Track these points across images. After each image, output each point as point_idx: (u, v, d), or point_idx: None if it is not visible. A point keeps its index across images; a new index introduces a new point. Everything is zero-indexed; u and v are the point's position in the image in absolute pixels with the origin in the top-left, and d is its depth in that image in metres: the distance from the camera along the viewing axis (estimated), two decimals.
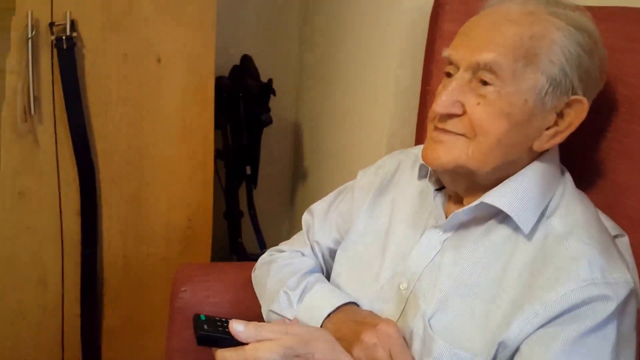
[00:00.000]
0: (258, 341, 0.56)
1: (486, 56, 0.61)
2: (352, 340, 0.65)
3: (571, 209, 0.64)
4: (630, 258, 0.66)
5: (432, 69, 0.93)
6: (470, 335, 0.61)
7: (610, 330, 0.57)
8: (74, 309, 1.36)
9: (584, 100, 0.63)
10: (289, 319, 0.75)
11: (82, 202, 1.27)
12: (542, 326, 0.58)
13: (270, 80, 1.54)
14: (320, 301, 0.73)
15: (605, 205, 0.71)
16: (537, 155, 0.66)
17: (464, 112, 0.63)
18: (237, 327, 0.56)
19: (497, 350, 0.59)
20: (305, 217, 0.88)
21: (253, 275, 0.88)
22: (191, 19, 1.21)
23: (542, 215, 0.64)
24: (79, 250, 1.31)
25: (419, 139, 0.97)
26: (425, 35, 0.98)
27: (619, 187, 0.70)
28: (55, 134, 1.20)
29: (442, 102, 0.63)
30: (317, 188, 1.65)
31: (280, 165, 1.88)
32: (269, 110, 1.54)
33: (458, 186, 0.69)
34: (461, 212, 0.66)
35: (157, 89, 1.25)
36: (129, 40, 1.19)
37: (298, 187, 1.86)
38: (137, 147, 1.28)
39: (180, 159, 1.32)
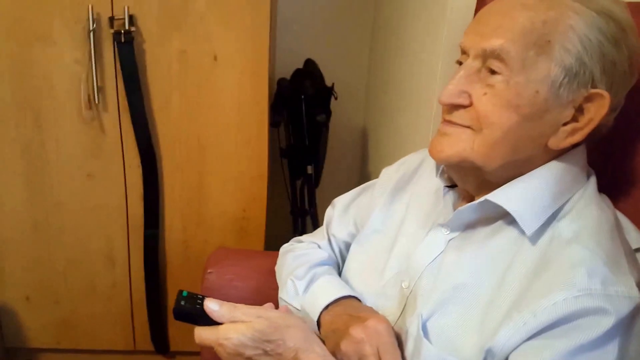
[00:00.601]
0: (232, 322, 0.57)
1: (494, 42, 0.57)
2: (344, 333, 0.64)
3: (584, 213, 0.59)
4: None
5: None
6: (463, 341, 0.58)
7: (611, 351, 0.51)
8: (140, 286, 1.46)
9: (605, 94, 0.57)
10: (297, 308, 0.76)
11: (144, 187, 1.35)
12: (531, 337, 0.53)
13: (332, 84, 1.54)
14: (322, 292, 0.73)
15: (635, 214, 0.65)
16: (556, 155, 0.61)
17: (471, 103, 0.59)
18: (212, 306, 0.57)
19: (485, 357, 0.56)
20: (328, 211, 0.89)
21: (276, 263, 0.89)
22: (246, 21, 1.23)
23: (553, 218, 0.59)
24: (142, 231, 1.39)
25: None
26: None
27: None
28: (120, 122, 1.29)
29: (448, 92, 0.60)
30: None
31: (347, 167, 1.88)
32: (326, 112, 1.54)
33: (468, 183, 0.65)
34: (464, 210, 0.63)
35: (214, 85, 1.29)
36: (186, 37, 1.24)
37: None
38: (197, 138, 1.33)
39: (235, 153, 1.36)
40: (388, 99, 1.47)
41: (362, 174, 1.89)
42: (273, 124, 1.44)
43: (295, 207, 1.69)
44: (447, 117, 0.61)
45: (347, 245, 0.83)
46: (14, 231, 1.36)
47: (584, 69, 0.55)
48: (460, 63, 0.62)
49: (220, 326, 0.57)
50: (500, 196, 0.60)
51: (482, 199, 0.61)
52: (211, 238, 1.44)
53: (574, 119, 0.58)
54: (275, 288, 0.86)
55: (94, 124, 1.28)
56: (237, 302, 0.86)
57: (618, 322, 0.51)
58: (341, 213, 0.85)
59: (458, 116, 0.60)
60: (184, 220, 1.41)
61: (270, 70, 1.32)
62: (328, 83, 1.55)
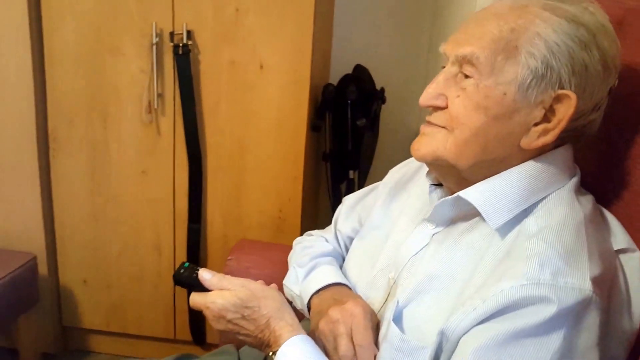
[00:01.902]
0: (220, 290, 0.66)
1: (466, 49, 0.62)
2: (325, 314, 0.70)
3: (553, 211, 0.61)
4: (636, 276, 0.62)
5: None
6: (430, 328, 0.61)
7: (554, 339, 0.53)
8: None
9: (572, 94, 0.60)
10: (297, 294, 0.83)
11: (190, 184, 1.50)
12: (479, 323, 0.56)
13: (381, 89, 1.61)
14: (316, 279, 0.79)
15: (626, 216, 0.67)
16: (534, 155, 0.64)
17: (447, 105, 0.64)
18: (205, 275, 0.67)
19: (440, 341, 0.59)
20: (339, 207, 0.95)
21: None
22: (290, 32, 1.36)
23: (525, 215, 0.62)
24: (186, 225, 1.54)
25: None
26: None
27: None
28: (174, 126, 1.45)
29: (427, 94, 0.65)
30: None
31: None
32: (367, 116, 1.61)
33: (448, 180, 0.70)
34: (440, 204, 0.67)
35: (258, 92, 1.42)
36: (236, 49, 1.38)
37: None
38: (240, 142, 1.47)
39: (274, 156, 1.47)
40: None
41: None
42: (314, 128, 1.53)
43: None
44: (427, 118, 0.66)
45: (352, 240, 0.88)
46: (76, 218, 1.54)
47: (551, 71, 0.59)
48: (443, 67, 0.67)
49: (210, 292, 0.66)
50: (470, 193, 0.63)
51: (454, 195, 0.65)
52: (249, 234, 1.55)
53: (546, 119, 0.61)
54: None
55: (152, 126, 1.45)
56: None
57: (561, 312, 0.53)
58: (348, 210, 0.91)
59: (436, 117, 0.65)
60: (225, 217, 1.54)
61: (317, 76, 1.41)
62: (380, 88, 1.62)
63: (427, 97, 0.64)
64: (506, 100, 0.60)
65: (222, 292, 0.66)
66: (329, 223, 1.73)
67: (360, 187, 1.71)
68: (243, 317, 0.65)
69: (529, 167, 0.63)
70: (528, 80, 0.59)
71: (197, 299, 0.67)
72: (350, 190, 1.74)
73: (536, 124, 0.61)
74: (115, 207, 1.53)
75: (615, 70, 0.63)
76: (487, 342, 0.54)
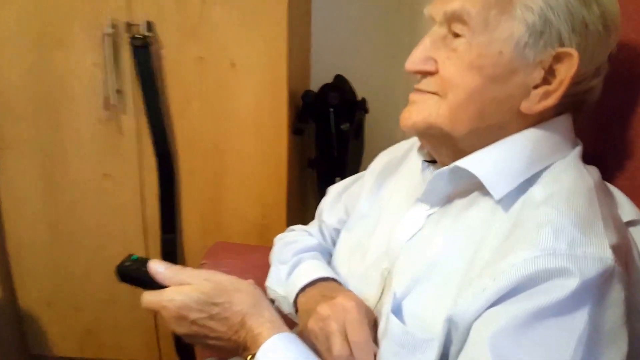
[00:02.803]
0: (178, 285, 0.55)
1: (454, 4, 0.56)
2: (313, 311, 0.63)
3: (559, 178, 0.56)
4: None
5: None
6: (435, 317, 0.55)
7: (578, 319, 0.46)
8: None
9: (574, 52, 0.54)
10: (282, 295, 0.75)
11: (160, 189, 1.35)
12: (492, 305, 0.49)
13: (362, 99, 1.54)
14: (301, 275, 0.72)
15: (631, 189, 0.63)
16: (535, 122, 0.59)
17: (437, 70, 0.59)
18: (156, 268, 0.56)
19: (448, 330, 0.52)
20: (323, 199, 0.89)
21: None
22: (263, 28, 1.24)
23: (529, 185, 0.57)
24: (159, 236, 1.39)
25: None
26: None
27: None
28: (137, 124, 1.31)
29: (413, 59, 0.59)
30: None
31: None
32: (351, 122, 1.52)
33: (442, 154, 0.64)
34: (434, 178, 0.61)
35: (232, 92, 1.29)
36: (203, 44, 1.25)
37: None
38: (214, 142, 1.33)
39: (254, 159, 1.34)
40: None
41: None
42: (296, 131, 1.43)
43: None
44: (416, 86, 0.61)
45: (338, 232, 0.82)
46: (31, 233, 1.38)
47: (550, 27, 0.54)
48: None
49: (165, 289, 0.55)
50: (468, 161, 0.58)
51: (451, 165, 0.59)
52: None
53: (546, 81, 0.56)
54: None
55: (111, 124, 1.30)
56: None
57: (584, 284, 0.46)
58: (333, 200, 0.85)
59: (425, 83, 0.60)
60: (202, 224, 1.40)
61: (296, 81, 1.32)
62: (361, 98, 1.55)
63: (414, 61, 0.59)
64: (502, 59, 0.55)
65: (180, 288, 0.55)
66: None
67: None
68: (211, 317, 0.55)
69: (531, 134, 0.58)
70: (525, 37, 0.55)
71: (149, 298, 0.56)
72: None
73: (536, 87, 0.56)
74: (76, 217, 1.38)
75: (615, 31, 0.58)
76: (504, 327, 0.47)
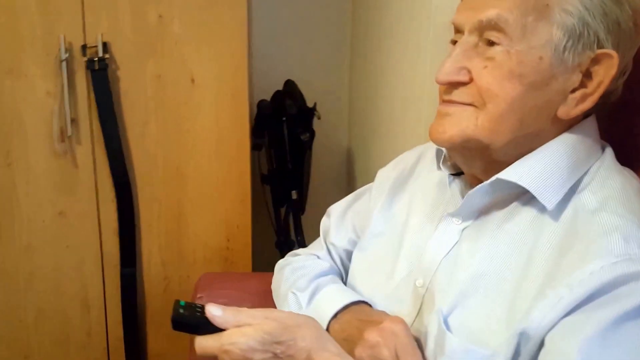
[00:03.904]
0: (236, 327, 0.53)
1: (490, 13, 0.55)
2: (357, 339, 0.60)
3: (607, 183, 0.56)
4: None
5: None
6: (491, 331, 0.54)
7: None
8: (117, 331, 1.36)
9: (614, 53, 0.54)
10: None
11: (119, 222, 1.28)
12: (568, 314, 0.49)
13: (314, 104, 1.52)
14: (328, 301, 0.69)
15: None
16: (566, 127, 0.58)
17: (471, 79, 0.57)
18: (214, 311, 0.53)
19: (518, 344, 0.52)
20: (323, 220, 0.85)
21: (272, 282, 0.85)
22: (222, 43, 1.23)
23: (573, 192, 0.56)
24: (118, 271, 1.32)
25: None
26: None
27: None
28: (94, 155, 1.24)
29: (445, 70, 0.57)
30: None
31: (332, 190, 1.82)
32: (309, 131, 1.51)
33: (474, 167, 0.62)
34: (475, 193, 0.59)
35: (192, 110, 1.26)
36: (161, 60, 1.22)
37: None
38: (175, 167, 1.29)
39: (216, 179, 1.31)
40: (377, 116, 1.42)
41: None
42: (254, 146, 1.41)
43: (282, 237, 1.62)
44: (446, 97, 0.59)
45: (348, 253, 0.80)
46: None
47: (588, 29, 0.53)
48: (454, 42, 0.60)
49: (225, 331, 0.52)
50: (513, 173, 0.57)
51: (493, 178, 0.58)
52: (194, 272, 1.36)
53: (582, 84, 0.56)
54: (269, 307, 0.81)
55: (66, 158, 1.22)
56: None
57: None
58: (338, 221, 0.82)
59: (458, 94, 0.58)
60: (163, 256, 1.34)
61: (249, 92, 1.31)
62: (309, 104, 1.52)
63: (447, 72, 0.57)
64: (542, 65, 0.54)
65: (242, 329, 0.52)
66: (274, 251, 1.66)
67: (303, 208, 1.61)
68: (275, 356, 0.52)
69: (567, 140, 0.58)
70: (564, 42, 0.54)
71: (207, 343, 0.53)
72: (295, 212, 1.62)
73: (573, 90, 0.56)
74: (29, 260, 1.27)
75: None
76: (591, 334, 0.47)
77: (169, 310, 1.44)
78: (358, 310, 0.66)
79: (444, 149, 0.66)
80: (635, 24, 0.56)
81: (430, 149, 0.74)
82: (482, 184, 0.59)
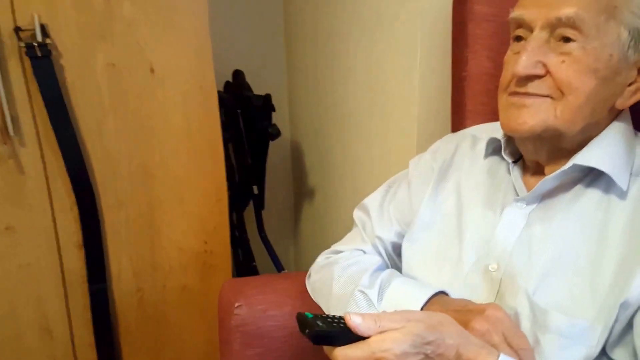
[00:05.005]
0: (380, 333, 0.52)
1: (567, 11, 0.60)
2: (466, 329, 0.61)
3: None
4: None
5: (467, 54, 0.89)
6: (579, 305, 0.59)
7: None
8: (88, 355, 1.20)
9: None
10: None
11: (83, 233, 1.12)
12: None
13: (267, 95, 1.42)
14: (406, 296, 0.68)
15: None
16: (615, 116, 0.65)
17: (547, 72, 0.62)
18: (356, 320, 0.52)
19: (618, 313, 0.57)
20: (358, 214, 0.85)
21: (309, 282, 0.84)
22: (183, 25, 1.08)
23: (630, 174, 0.63)
24: (85, 288, 1.15)
25: (456, 127, 0.92)
26: (446, 22, 0.94)
27: None
28: (43, 158, 1.05)
29: (524, 63, 0.61)
30: (326, 205, 1.54)
31: (280, 184, 1.78)
32: (272, 123, 1.43)
33: (540, 154, 0.67)
34: (551, 178, 0.64)
35: (156, 101, 1.11)
36: (113, 47, 1.05)
37: (302, 205, 1.76)
38: (142, 165, 1.13)
39: (189, 177, 1.18)
40: (340, 109, 1.37)
41: (297, 188, 1.77)
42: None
43: (243, 233, 1.54)
44: (522, 90, 0.63)
45: (395, 245, 0.80)
46: None
47: None
48: (518, 37, 0.64)
49: (371, 339, 0.51)
50: (589, 158, 0.62)
51: (570, 163, 0.62)
52: (170, 281, 1.23)
53: (636, 79, 0.62)
54: (312, 309, 0.78)
55: (8, 163, 1.03)
56: (273, 331, 0.86)
57: None
58: (379, 214, 0.82)
59: (534, 87, 0.62)
60: (135, 266, 1.19)
61: None
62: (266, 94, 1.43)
63: (525, 66, 0.61)
64: (612, 61, 0.60)
65: (389, 335, 0.51)
66: (237, 251, 1.55)
67: (263, 203, 1.54)
68: (427, 357, 0.52)
69: (620, 128, 0.65)
70: (629, 41, 0.60)
71: (354, 353, 0.52)
72: (257, 208, 1.55)
73: (630, 84, 0.63)
74: None
75: None
76: None
77: (144, 325, 1.30)
78: (443, 302, 0.66)
79: (500, 138, 0.70)
80: None
81: (465, 139, 0.79)
82: (562, 169, 0.63)
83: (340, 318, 0.54)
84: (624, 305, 0.57)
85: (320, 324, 0.53)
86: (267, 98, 1.40)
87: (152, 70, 1.09)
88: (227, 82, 1.51)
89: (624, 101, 0.63)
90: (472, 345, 0.54)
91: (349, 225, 1.35)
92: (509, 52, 0.68)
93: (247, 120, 1.44)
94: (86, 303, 1.16)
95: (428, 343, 0.52)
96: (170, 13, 1.07)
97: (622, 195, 0.62)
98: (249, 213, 1.57)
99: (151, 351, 1.26)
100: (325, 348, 0.55)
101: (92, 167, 1.09)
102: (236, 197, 1.51)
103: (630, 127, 0.67)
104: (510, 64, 0.65)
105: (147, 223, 1.17)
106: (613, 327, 0.58)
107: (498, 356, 0.54)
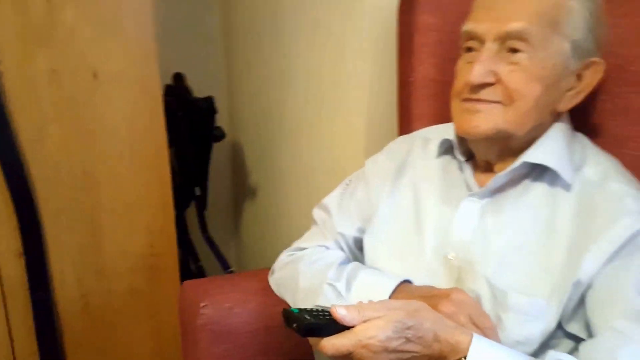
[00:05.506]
0: (364, 322, 0.56)
1: (516, 25, 0.65)
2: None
3: (599, 160, 0.70)
4: None
5: (413, 61, 0.94)
6: (535, 285, 0.65)
7: None
8: None
9: (601, 61, 0.68)
10: None
11: (24, 241, 1.10)
12: (609, 261, 0.62)
13: (211, 97, 1.44)
14: (373, 286, 0.72)
15: None
16: (557, 117, 0.71)
17: (497, 81, 0.67)
18: (341, 312, 0.56)
19: (572, 291, 0.63)
20: (318, 213, 0.88)
21: (273, 278, 0.87)
22: (127, 29, 1.09)
23: (575, 169, 0.68)
24: (26, 297, 1.13)
25: (403, 133, 0.95)
26: (391, 31, 0.98)
27: (617, 140, 0.77)
28: None
29: (477, 72, 0.66)
30: (269, 204, 1.57)
31: (220, 184, 1.79)
32: (217, 126, 1.46)
33: (491, 153, 0.72)
34: (503, 175, 0.69)
35: (99, 106, 1.11)
36: (55, 52, 1.05)
37: (243, 205, 1.79)
38: (84, 171, 1.14)
39: (134, 181, 1.19)
40: (284, 111, 1.40)
41: (237, 189, 1.80)
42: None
43: (185, 234, 1.54)
44: (475, 96, 0.67)
45: (356, 240, 0.84)
46: None
47: (585, 43, 0.66)
48: (469, 48, 0.70)
49: (357, 328, 0.55)
50: (537, 156, 0.68)
51: (519, 162, 0.68)
52: (116, 286, 1.23)
53: (575, 85, 0.69)
54: (276, 304, 0.84)
55: None
56: (240, 327, 0.88)
57: None
58: (339, 211, 0.85)
59: (486, 94, 0.67)
60: (78, 272, 1.19)
61: None
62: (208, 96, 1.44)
63: (478, 75, 0.66)
64: (556, 70, 0.66)
65: (373, 323, 0.56)
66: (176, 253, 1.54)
67: (206, 204, 1.56)
68: (408, 340, 0.56)
69: (561, 128, 0.70)
70: (570, 52, 0.66)
71: (342, 342, 0.55)
72: (200, 209, 1.57)
73: (569, 90, 0.69)
74: None
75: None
76: (637, 273, 0.60)
77: (89, 332, 1.30)
78: (408, 289, 0.70)
79: (452, 139, 0.75)
80: (606, 37, 0.70)
81: (416, 141, 0.83)
82: (512, 167, 0.68)
83: (324, 311, 0.58)
84: (576, 284, 0.62)
85: (308, 317, 0.56)
86: (211, 100, 1.42)
87: (95, 76, 1.09)
88: (168, 86, 1.51)
89: (565, 104, 0.69)
90: (447, 327, 0.58)
91: (296, 223, 1.40)
92: (460, 62, 0.72)
93: (190, 123, 1.45)
94: (28, 312, 1.15)
95: (408, 328, 0.56)
96: (115, 17, 1.08)
97: (567, 187, 0.67)
98: (190, 214, 1.59)
99: (98, 357, 1.25)
100: (312, 340, 0.58)
101: (32, 174, 1.08)
102: (177, 199, 1.53)
103: (570, 127, 0.72)
104: (463, 72, 0.70)
105: (90, 228, 1.17)
106: (567, 303, 0.63)
107: (471, 335, 0.58)
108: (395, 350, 0.56)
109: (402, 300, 0.61)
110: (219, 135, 1.43)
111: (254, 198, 1.69)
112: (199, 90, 1.49)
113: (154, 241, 1.24)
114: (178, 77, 1.50)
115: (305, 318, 0.56)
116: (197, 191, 1.54)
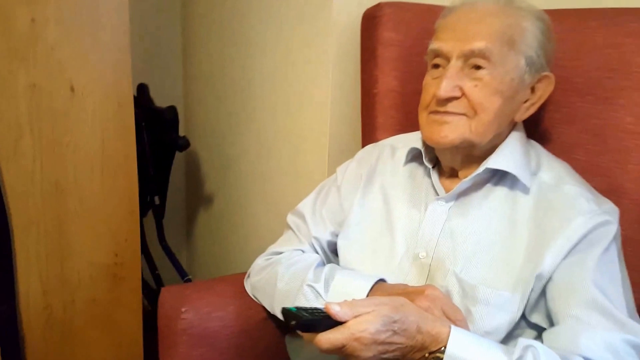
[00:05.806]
0: (355, 317, 0.59)
1: (478, 44, 0.71)
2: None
3: (552, 165, 0.77)
4: None
5: (377, 74, 0.99)
6: (500, 279, 0.70)
7: (613, 249, 0.70)
8: None
9: (551, 75, 0.76)
10: None
11: None
12: (566, 256, 0.68)
13: (174, 107, 1.50)
14: (350, 286, 0.75)
15: None
16: (513, 127, 0.78)
17: (462, 95, 0.73)
18: (335, 308, 0.59)
19: (534, 284, 0.68)
20: (292, 219, 0.92)
21: (249, 282, 0.90)
22: (105, 42, 1.15)
23: (532, 173, 0.75)
24: None
25: (367, 141, 1.01)
26: (355, 40, 1.04)
27: (566, 147, 0.85)
28: None
29: (445, 87, 0.72)
30: (226, 213, 1.61)
31: (174, 194, 1.80)
32: (181, 135, 1.51)
33: (455, 161, 0.78)
34: (467, 180, 0.75)
35: (73, 120, 1.16)
36: (36, 68, 1.09)
37: (196, 213, 1.82)
38: (54, 183, 1.17)
39: (101, 192, 1.23)
40: (245, 123, 1.44)
41: (190, 198, 1.81)
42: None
43: (144, 243, 1.56)
44: (442, 109, 0.74)
45: (330, 243, 0.88)
46: None
47: (538, 58, 0.74)
48: (435, 65, 0.76)
49: (349, 323, 0.59)
50: (499, 162, 0.74)
51: (482, 167, 0.74)
52: (79, 295, 1.25)
53: (529, 97, 0.76)
54: (254, 307, 0.89)
55: None
56: (219, 330, 0.90)
57: (617, 227, 0.71)
58: (313, 217, 0.89)
59: (453, 106, 0.73)
60: (45, 283, 1.20)
61: None
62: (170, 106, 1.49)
63: (446, 89, 0.72)
64: (513, 84, 0.73)
65: (365, 317, 0.60)
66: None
67: (163, 212, 1.60)
68: (394, 332, 0.60)
69: (517, 136, 0.78)
70: (525, 67, 0.73)
71: (335, 336, 0.59)
72: (158, 218, 1.60)
73: (524, 102, 0.76)
74: None
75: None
76: (593, 266, 0.67)
77: (52, 344, 1.34)
78: (383, 288, 0.73)
79: (419, 148, 0.81)
80: (555, 53, 0.79)
81: (384, 150, 0.88)
82: (476, 172, 0.74)
83: (316, 308, 0.62)
84: (538, 277, 0.68)
85: (305, 314, 0.61)
86: (174, 110, 1.47)
87: (72, 89, 1.14)
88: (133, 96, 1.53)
89: (521, 115, 0.76)
90: (428, 320, 0.63)
91: (256, 232, 1.44)
92: (427, 77, 0.77)
93: (152, 133, 1.46)
94: None
95: (395, 321, 0.60)
96: (95, 30, 1.13)
97: (526, 190, 0.73)
98: (146, 222, 1.59)
99: None
100: (307, 336, 0.61)
101: (5, 186, 1.11)
102: (140, 210, 1.52)
103: (524, 135, 0.79)
104: (431, 87, 0.75)
105: (56, 239, 1.19)
106: (530, 295, 0.68)
107: (450, 326, 0.62)
108: (383, 342, 0.60)
109: (389, 297, 0.65)
110: (184, 145, 1.47)
111: (208, 207, 1.71)
112: (156, 100, 1.53)
113: (118, 250, 1.28)
114: (142, 88, 1.53)
115: (303, 315, 0.61)
116: (157, 200, 1.56)
